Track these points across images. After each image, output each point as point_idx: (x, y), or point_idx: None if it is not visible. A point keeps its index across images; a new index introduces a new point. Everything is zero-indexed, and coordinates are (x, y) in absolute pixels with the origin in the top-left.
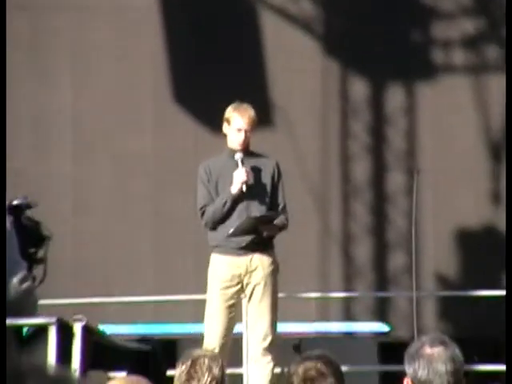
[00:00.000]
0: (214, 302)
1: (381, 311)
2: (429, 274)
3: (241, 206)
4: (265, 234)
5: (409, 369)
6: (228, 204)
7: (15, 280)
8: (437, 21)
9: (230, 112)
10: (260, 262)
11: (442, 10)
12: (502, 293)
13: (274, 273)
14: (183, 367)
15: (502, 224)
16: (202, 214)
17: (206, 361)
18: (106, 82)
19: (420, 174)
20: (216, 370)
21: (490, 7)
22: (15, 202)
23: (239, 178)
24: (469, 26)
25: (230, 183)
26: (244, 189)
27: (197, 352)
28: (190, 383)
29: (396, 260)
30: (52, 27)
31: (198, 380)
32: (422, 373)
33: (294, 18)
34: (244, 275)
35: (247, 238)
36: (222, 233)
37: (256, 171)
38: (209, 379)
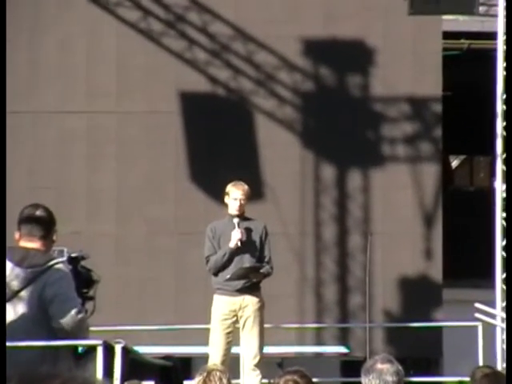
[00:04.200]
0: (216, 330)
1: (343, 337)
2: (378, 311)
3: (237, 258)
4: (254, 279)
5: (364, 380)
6: (227, 256)
7: (73, 311)
8: (385, 123)
9: (229, 187)
10: (250, 301)
11: (389, 115)
12: (433, 324)
13: (261, 308)
14: (200, 377)
15: (432, 273)
16: (207, 262)
17: (218, 373)
18: (140, 166)
19: (372, 236)
20: (225, 381)
21: (424, 114)
22: (73, 255)
23: (236, 237)
24: (408, 127)
25: (229, 240)
26: (239, 244)
27: (210, 366)
28: None
29: (354, 300)
30: (103, 126)
31: None
32: (375, 383)
33: (280, 119)
34: (238, 310)
35: (240, 283)
36: (221, 278)
37: (249, 231)
38: None
